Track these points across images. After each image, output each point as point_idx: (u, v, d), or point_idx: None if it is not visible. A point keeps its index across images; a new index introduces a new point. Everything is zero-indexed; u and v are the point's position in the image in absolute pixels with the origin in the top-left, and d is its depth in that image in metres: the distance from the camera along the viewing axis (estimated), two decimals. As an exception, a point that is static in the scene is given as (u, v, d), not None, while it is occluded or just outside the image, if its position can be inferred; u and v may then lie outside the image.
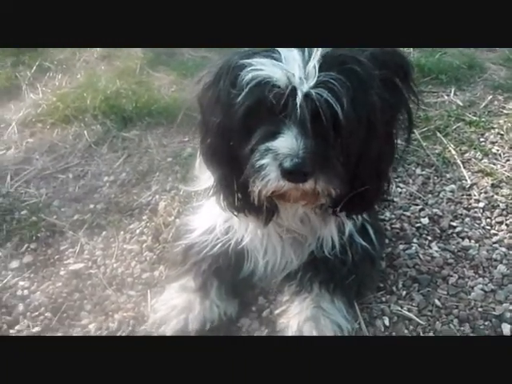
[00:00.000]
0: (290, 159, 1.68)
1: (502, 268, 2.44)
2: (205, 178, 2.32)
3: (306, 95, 1.69)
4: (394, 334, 2.16)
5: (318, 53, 1.73)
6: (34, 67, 4.11)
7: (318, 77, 1.69)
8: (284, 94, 1.69)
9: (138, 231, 2.64)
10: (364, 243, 2.26)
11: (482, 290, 2.34)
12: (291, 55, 1.74)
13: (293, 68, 1.71)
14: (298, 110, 1.69)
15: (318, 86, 1.69)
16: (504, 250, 2.53)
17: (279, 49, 1.78)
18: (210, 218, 2.29)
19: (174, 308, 2.12)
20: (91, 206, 2.82)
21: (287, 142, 1.70)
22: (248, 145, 1.79)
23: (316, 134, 1.72)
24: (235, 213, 2.05)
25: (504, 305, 2.27)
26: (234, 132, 1.82)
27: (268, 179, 1.74)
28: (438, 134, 3.32)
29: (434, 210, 2.74)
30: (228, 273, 2.23)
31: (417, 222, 2.67)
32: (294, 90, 1.69)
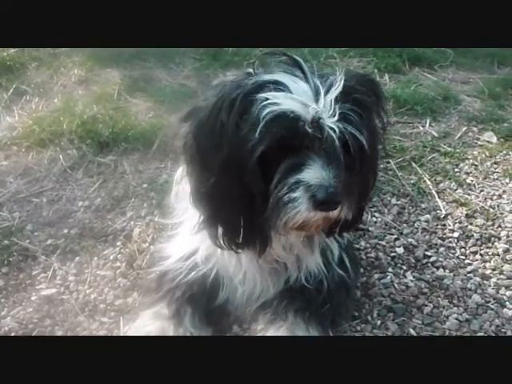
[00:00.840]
0: (323, 190, 1.71)
1: (476, 297, 2.44)
2: (181, 208, 2.32)
3: (330, 127, 1.73)
4: (368, 363, 2.14)
5: (330, 84, 1.79)
6: (11, 90, 4.07)
7: (335, 108, 1.74)
8: (306, 127, 1.72)
9: (111, 257, 2.61)
10: (340, 272, 2.26)
11: (456, 319, 2.33)
12: (300, 87, 1.77)
13: (308, 100, 1.74)
14: (326, 143, 1.74)
15: (339, 118, 1.74)
16: (478, 279, 2.54)
17: (283, 80, 1.79)
18: (185, 246, 2.26)
19: (147, 335, 2.09)
20: (65, 230, 2.78)
21: (317, 173, 1.73)
22: (268, 180, 1.78)
23: (341, 163, 1.78)
24: (235, 249, 2.00)
25: (478, 334, 2.27)
26: (247, 168, 1.76)
27: (297, 211, 1.75)
28: (414, 165, 3.34)
29: (409, 240, 2.74)
30: (202, 300, 2.20)
31: (392, 252, 2.67)
32: (315, 122, 1.72)
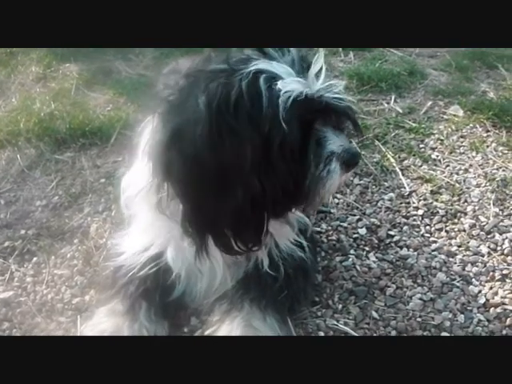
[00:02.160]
0: (350, 153, 1.86)
1: (441, 276, 2.40)
2: (133, 212, 2.26)
3: (335, 99, 1.83)
4: (329, 348, 2.10)
5: (314, 61, 1.84)
6: (-32, 92, 4.01)
7: (327, 82, 1.82)
8: (315, 104, 1.79)
9: (69, 255, 2.57)
10: (299, 255, 2.21)
11: (420, 299, 2.30)
12: (285, 70, 1.78)
13: (303, 78, 1.79)
14: (330, 114, 1.86)
15: (330, 90, 1.83)
16: (443, 257, 2.50)
17: (266, 67, 1.77)
18: (138, 242, 2.21)
19: (102, 332, 2.04)
20: (22, 231, 2.74)
21: (339, 142, 1.86)
22: (303, 163, 1.81)
23: (341, 129, 1.94)
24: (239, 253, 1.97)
25: (443, 313, 2.24)
26: (281, 163, 1.75)
27: (335, 178, 1.86)
28: (377, 142, 3.29)
29: (372, 220, 2.70)
30: (157, 294, 2.16)
31: (354, 233, 2.63)
32: (320, 97, 1.79)
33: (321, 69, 1.82)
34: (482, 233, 2.63)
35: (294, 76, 1.77)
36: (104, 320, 2.10)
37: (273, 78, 1.74)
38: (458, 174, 3.05)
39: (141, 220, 2.21)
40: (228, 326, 2.04)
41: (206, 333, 2.08)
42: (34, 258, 2.58)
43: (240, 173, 1.73)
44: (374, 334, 2.15)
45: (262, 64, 1.78)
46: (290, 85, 1.73)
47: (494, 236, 2.62)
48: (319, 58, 1.83)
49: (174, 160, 1.79)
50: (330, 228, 2.67)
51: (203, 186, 1.78)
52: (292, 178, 1.79)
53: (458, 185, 2.94)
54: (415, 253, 2.52)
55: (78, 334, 2.15)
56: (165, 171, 1.84)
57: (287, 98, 1.71)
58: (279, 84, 1.72)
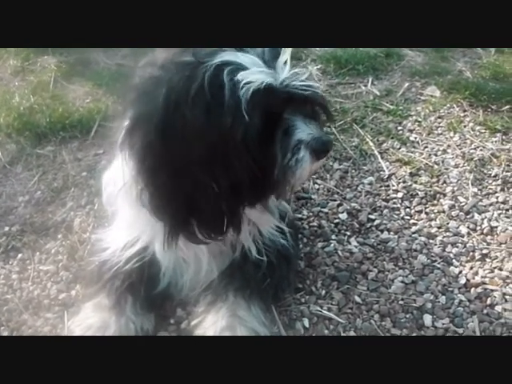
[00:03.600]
0: (320, 140, 1.83)
1: (422, 258, 2.45)
2: (115, 209, 2.29)
3: (301, 88, 1.80)
4: (314, 334, 2.13)
5: (283, 50, 1.81)
6: None
7: (292, 70, 1.80)
8: (282, 93, 1.77)
9: (53, 251, 2.57)
10: (281, 242, 2.24)
11: (402, 282, 2.34)
12: (250, 60, 1.77)
13: (267, 68, 1.77)
14: (298, 103, 1.83)
15: (296, 78, 1.80)
16: (424, 239, 2.54)
17: (230, 58, 1.76)
18: (122, 237, 2.22)
19: (89, 328, 2.06)
20: (6, 228, 2.73)
21: (307, 129, 1.83)
22: (268, 152, 1.80)
23: (313, 117, 1.91)
24: (203, 242, 1.98)
25: (425, 295, 2.28)
26: (241, 154, 1.74)
27: (304, 167, 1.84)
28: (355, 126, 3.31)
29: (353, 205, 2.73)
30: (142, 287, 2.17)
31: (335, 218, 2.66)
32: (286, 87, 1.78)
33: (288, 58, 1.81)
34: (461, 213, 2.67)
35: (261, 66, 1.76)
36: (91, 315, 2.11)
37: (238, 69, 1.73)
38: (436, 155, 3.08)
39: (124, 215, 2.21)
40: (213, 316, 2.07)
41: (192, 323, 2.12)
42: (19, 255, 2.57)
43: (189, 164, 1.76)
44: (357, 319, 2.18)
45: (227, 56, 1.77)
46: (252, 75, 1.72)
47: (473, 216, 2.66)
48: (286, 50, 1.82)
49: (133, 148, 1.83)
50: (311, 214, 2.69)
51: (155, 174, 1.81)
52: (259, 168, 1.78)
53: (436, 166, 2.98)
54: (396, 236, 2.56)
55: (66, 330, 2.17)
56: (129, 159, 1.88)
57: (248, 88, 1.70)
58: (240, 75, 1.71)
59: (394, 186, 2.85)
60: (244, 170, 1.75)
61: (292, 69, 1.80)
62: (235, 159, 1.73)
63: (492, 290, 2.30)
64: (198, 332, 2.07)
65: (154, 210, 1.91)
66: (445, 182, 2.88)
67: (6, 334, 2.21)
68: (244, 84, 1.70)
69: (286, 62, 1.79)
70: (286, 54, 1.80)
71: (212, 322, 2.06)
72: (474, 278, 2.36)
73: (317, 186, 2.86)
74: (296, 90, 1.80)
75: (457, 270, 2.40)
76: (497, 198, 2.78)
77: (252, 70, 1.73)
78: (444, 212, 2.69)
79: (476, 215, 2.67)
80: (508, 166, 2.97)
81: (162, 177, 1.80)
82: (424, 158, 3.04)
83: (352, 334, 2.13)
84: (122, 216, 2.25)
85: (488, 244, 2.52)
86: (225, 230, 1.92)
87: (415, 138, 3.22)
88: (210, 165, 1.74)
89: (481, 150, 3.10)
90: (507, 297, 2.27)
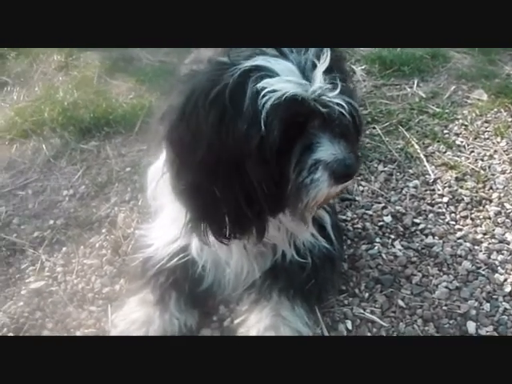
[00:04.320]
0: (342, 164, 1.73)
1: (466, 264, 2.41)
2: (159, 204, 2.30)
3: (334, 102, 1.73)
4: (356, 337, 2.13)
5: (322, 60, 1.74)
6: (-9, 83, 4.03)
7: (333, 82, 1.73)
8: (308, 106, 1.70)
9: (97, 245, 2.60)
10: (324, 245, 2.22)
11: (446, 287, 2.31)
12: (285, 67, 1.71)
13: (300, 78, 1.71)
14: (331, 118, 1.74)
15: (333, 92, 1.73)
16: (469, 245, 2.51)
17: (264, 64, 1.71)
18: (165, 234, 2.24)
19: (133, 322, 2.09)
20: (51, 221, 2.77)
21: (331, 149, 1.74)
22: (284, 166, 1.74)
23: (343, 136, 1.80)
24: (225, 241, 1.96)
25: (469, 302, 2.25)
26: (257, 163, 1.70)
27: (319, 189, 1.76)
28: (401, 128, 3.27)
29: (397, 208, 2.70)
30: (186, 284, 2.19)
31: (379, 221, 2.64)
32: (316, 99, 1.70)
33: (325, 69, 1.73)
34: (507, 220, 2.63)
35: (294, 74, 1.70)
36: (135, 310, 2.14)
37: (265, 76, 1.68)
38: (482, 160, 3.04)
39: (167, 212, 2.23)
40: (257, 315, 2.08)
41: (235, 321, 2.12)
42: (64, 248, 2.61)
43: (193, 168, 1.76)
44: (400, 323, 2.17)
45: (260, 60, 1.72)
46: (277, 84, 1.66)
47: (519, 223, 2.62)
48: (326, 59, 1.74)
49: (172, 152, 1.84)
50: (355, 216, 2.67)
51: (181, 172, 1.82)
52: (273, 179, 1.74)
53: (482, 171, 2.94)
54: (440, 241, 2.53)
55: (109, 323, 2.20)
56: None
57: (270, 98, 1.65)
58: (264, 82, 1.66)
59: (439, 190, 2.82)
60: (259, 178, 1.72)
61: (326, 81, 1.72)
62: (249, 169, 1.70)
63: (537, 300, 2.27)
64: (241, 330, 2.08)
65: (182, 202, 1.92)
66: (491, 187, 2.83)
67: (50, 325, 2.25)
68: (266, 92, 1.65)
69: (320, 73, 1.72)
70: (324, 64, 1.73)
71: (255, 320, 2.06)
72: (519, 287, 2.32)
73: (361, 188, 2.84)
74: (324, 105, 1.72)
75: (502, 278, 2.36)
76: (544, 205, 2.72)
77: (279, 78, 1.68)
78: (490, 218, 2.65)
79: (523, 223, 2.63)
80: (556, 172, 2.91)
81: (181, 173, 1.82)
82: (470, 163, 3.00)
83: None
84: (165, 212, 2.26)
85: (534, 252, 2.48)
86: (244, 234, 1.92)
87: (461, 142, 3.17)
88: (213, 171, 1.73)
89: (528, 156, 3.04)
90: (553, 306, 2.23)
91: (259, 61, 1.72)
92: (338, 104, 1.74)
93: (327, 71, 1.73)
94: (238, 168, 1.71)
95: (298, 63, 1.73)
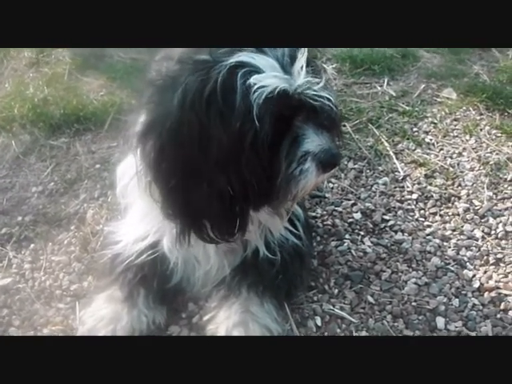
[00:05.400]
0: (328, 153, 1.79)
1: (435, 260, 2.44)
2: (128, 201, 2.28)
3: (313, 97, 1.77)
4: (326, 333, 2.13)
5: (299, 56, 1.77)
6: (-39, 79, 3.97)
7: (307, 78, 1.76)
8: (294, 100, 1.74)
9: (66, 242, 2.57)
10: (294, 241, 2.23)
11: (415, 283, 2.33)
12: (268, 63, 1.73)
13: (284, 73, 1.74)
14: (316, 110, 1.80)
15: (311, 86, 1.77)
16: (438, 241, 2.53)
17: (247, 60, 1.73)
18: (134, 231, 2.22)
19: (101, 319, 2.07)
20: (19, 218, 2.74)
21: (317, 140, 1.79)
22: (275, 160, 1.77)
23: (325, 127, 1.85)
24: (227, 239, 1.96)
25: (438, 298, 2.27)
26: (251, 158, 1.72)
27: (308, 179, 1.80)
28: (370, 126, 3.29)
29: (367, 204, 2.72)
30: (155, 281, 2.18)
31: (349, 218, 2.65)
32: (301, 93, 1.74)
33: (304, 64, 1.77)
34: (476, 217, 2.66)
35: (277, 70, 1.72)
36: (103, 306, 2.12)
37: (252, 71, 1.70)
38: (451, 157, 3.07)
39: (136, 209, 2.21)
40: (226, 311, 2.07)
41: (204, 318, 2.11)
42: (32, 245, 2.58)
43: (205, 168, 1.74)
44: (370, 319, 2.18)
45: (244, 56, 1.73)
46: (265, 80, 1.68)
47: (487, 220, 2.65)
48: (304, 53, 1.77)
49: (147, 149, 1.82)
50: (324, 213, 2.68)
51: (170, 177, 1.79)
52: (265, 174, 1.76)
53: (451, 168, 2.97)
54: (410, 237, 2.55)
55: (77, 320, 2.18)
56: (142, 160, 1.87)
57: (260, 93, 1.67)
58: (253, 78, 1.68)
59: (408, 187, 2.84)
60: (252, 174, 1.73)
61: (308, 76, 1.76)
62: (245, 163, 1.71)
63: (506, 295, 2.29)
64: (210, 327, 2.07)
65: (166, 212, 1.90)
66: (460, 184, 2.86)
67: (17, 322, 2.22)
68: (257, 88, 1.67)
69: (302, 68, 1.75)
70: (303, 59, 1.76)
71: (224, 317, 2.06)
72: (487, 282, 2.35)
73: (331, 185, 2.84)
74: (308, 98, 1.76)
75: (470, 274, 2.39)
76: (512, 202, 2.76)
77: (266, 73, 1.70)
78: (459, 215, 2.68)
79: (491, 219, 2.66)
80: (525, 170, 2.95)
81: (175, 180, 1.79)
82: (439, 160, 3.02)
83: (364, 333, 2.13)
84: (134, 209, 2.24)
85: (503, 248, 2.51)
86: (236, 232, 1.91)
87: (431, 139, 3.20)
88: (224, 168, 1.73)
89: (497, 153, 3.08)
90: (521, 302, 2.26)
91: (243, 57, 1.73)
92: (322, 97, 1.78)
93: (306, 65, 1.76)
94: (236, 164, 1.72)
95: (276, 57, 1.76)
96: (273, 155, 1.76)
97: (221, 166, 1.73)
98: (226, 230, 1.90)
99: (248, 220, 1.90)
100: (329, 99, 1.81)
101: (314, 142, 1.78)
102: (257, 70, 1.71)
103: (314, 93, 1.76)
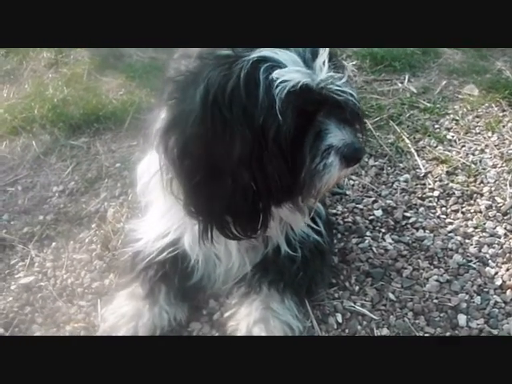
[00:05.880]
0: (352, 147, 1.79)
1: (457, 258, 2.41)
2: (149, 200, 2.29)
3: (341, 90, 1.77)
4: (346, 330, 2.12)
5: (322, 51, 1.77)
6: (-19, 80, 4.01)
7: (330, 73, 1.76)
8: (317, 95, 1.74)
9: (87, 240, 2.59)
10: (315, 238, 2.22)
11: (437, 281, 2.31)
12: (289, 58, 1.73)
13: (307, 68, 1.74)
14: (339, 105, 1.79)
15: (333, 81, 1.76)
16: (459, 238, 2.50)
17: (270, 55, 1.73)
18: (157, 226, 2.22)
19: (123, 316, 2.08)
20: (41, 217, 2.76)
21: (340, 135, 1.79)
22: (299, 154, 1.78)
23: (348, 122, 1.84)
24: (238, 238, 1.97)
25: (460, 295, 2.25)
26: (275, 154, 1.73)
27: (332, 173, 1.80)
28: (391, 123, 3.27)
29: (388, 202, 2.70)
30: (176, 278, 2.18)
31: (370, 215, 2.63)
32: (324, 88, 1.74)
33: (326, 60, 1.77)
34: (498, 214, 2.63)
35: (299, 65, 1.73)
36: (125, 303, 2.13)
37: (275, 66, 1.70)
38: (473, 154, 3.04)
39: (157, 206, 2.22)
40: (247, 308, 2.07)
41: (225, 315, 2.11)
42: (53, 243, 2.60)
43: (229, 164, 1.74)
44: (391, 316, 2.16)
45: (266, 51, 1.73)
46: (288, 74, 1.69)
47: (510, 217, 2.62)
48: (325, 50, 1.78)
49: (170, 146, 1.82)
50: (345, 210, 2.67)
51: (193, 174, 1.79)
52: (288, 169, 1.76)
53: (473, 165, 2.94)
54: (431, 234, 2.52)
55: (99, 318, 2.19)
56: (165, 157, 1.87)
57: (283, 87, 1.67)
58: (275, 73, 1.68)
59: (430, 184, 2.82)
60: (276, 169, 1.74)
61: (330, 71, 1.76)
62: (268, 159, 1.72)
63: (528, 293, 2.27)
64: (231, 324, 2.07)
65: (188, 209, 1.90)
66: (482, 181, 2.83)
67: (39, 320, 2.24)
68: (279, 83, 1.67)
69: (324, 63, 1.75)
70: (325, 54, 1.76)
71: (245, 314, 2.06)
72: (510, 280, 2.32)
73: (352, 182, 2.83)
74: (331, 93, 1.76)
75: (493, 271, 2.36)
76: (535, 199, 2.72)
77: (289, 68, 1.70)
78: (481, 212, 2.65)
79: (514, 216, 2.62)
80: (547, 167, 2.92)
81: (199, 176, 1.79)
82: (461, 157, 3.00)
83: (385, 330, 2.12)
84: (155, 207, 2.25)
85: (525, 246, 2.47)
86: (258, 228, 1.91)
87: (452, 136, 3.17)
88: (248, 164, 1.73)
89: (519, 150, 3.04)
90: (544, 300, 2.23)
91: (265, 52, 1.73)
92: (345, 92, 1.78)
93: (328, 60, 1.76)
94: (260, 159, 1.73)
95: (298, 54, 1.76)
96: (296, 150, 1.76)
97: (244, 162, 1.73)
98: (249, 226, 1.91)
99: (270, 216, 1.91)
100: (351, 94, 1.81)
101: (336, 136, 1.78)
102: (279, 65, 1.71)
103: (337, 88, 1.76)
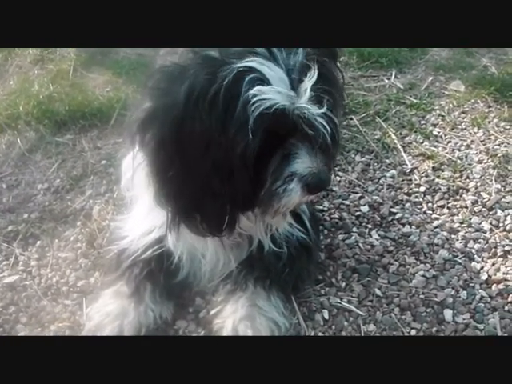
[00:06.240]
0: (316, 178, 1.78)
1: (443, 253, 2.41)
2: (133, 195, 2.28)
3: (313, 121, 1.74)
4: (333, 327, 2.12)
5: (311, 73, 1.73)
6: (-34, 77, 3.97)
7: (313, 98, 1.73)
8: (292, 118, 1.71)
9: (72, 238, 2.57)
10: (300, 235, 2.22)
11: (423, 276, 2.31)
12: (276, 75, 1.70)
13: (288, 89, 1.71)
14: (312, 130, 1.75)
15: (318, 111, 1.74)
16: (445, 234, 2.51)
17: (257, 67, 1.69)
18: (142, 224, 2.21)
19: (108, 315, 2.07)
20: (25, 215, 2.74)
21: (307, 162, 1.78)
22: (262, 173, 1.78)
23: (321, 148, 1.82)
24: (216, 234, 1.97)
25: (446, 290, 2.25)
26: (239, 167, 1.73)
27: (291, 198, 1.80)
28: (378, 119, 3.27)
29: (374, 197, 2.70)
30: (161, 276, 2.17)
31: (356, 211, 2.63)
32: (300, 117, 1.72)
33: (311, 84, 1.73)
34: (484, 209, 2.64)
35: (283, 84, 1.70)
36: (110, 302, 2.12)
37: (258, 80, 1.68)
38: (459, 150, 3.04)
39: (142, 203, 2.21)
40: (232, 305, 2.07)
41: (211, 312, 2.11)
42: (38, 242, 2.58)
43: (202, 167, 1.74)
44: (377, 312, 2.17)
45: (254, 62, 1.70)
46: (268, 93, 1.66)
47: (495, 212, 2.62)
48: (314, 73, 1.73)
49: (147, 137, 1.81)
50: (332, 206, 2.67)
51: (167, 168, 1.79)
52: (250, 183, 1.77)
53: (459, 161, 2.94)
54: (417, 230, 2.53)
55: (84, 316, 2.18)
56: (141, 146, 1.86)
57: (258, 106, 1.65)
58: (256, 89, 1.66)
59: (416, 180, 2.82)
60: (239, 182, 1.74)
61: (312, 98, 1.72)
62: (234, 170, 1.72)
63: (514, 287, 2.28)
64: (217, 321, 2.06)
65: (160, 199, 1.91)
66: (468, 177, 2.83)
67: (24, 319, 2.22)
68: (256, 100, 1.66)
69: (306, 91, 1.71)
70: (314, 78, 1.72)
71: (231, 311, 2.05)
72: (495, 275, 2.32)
73: (338, 178, 2.83)
74: (304, 124, 1.73)
75: (478, 266, 2.36)
76: (520, 195, 2.73)
77: (271, 87, 1.68)
78: (467, 207, 2.65)
79: (499, 212, 2.63)
80: (533, 162, 2.93)
81: (172, 172, 1.79)
82: (447, 153, 3.00)
83: (372, 326, 2.12)
84: (140, 204, 2.24)
85: (510, 241, 2.48)
86: (223, 229, 1.91)
87: (438, 132, 3.18)
88: (219, 170, 1.73)
89: (505, 146, 3.05)
90: (529, 294, 2.24)
91: (253, 63, 1.70)
92: (321, 124, 1.75)
93: (315, 83, 1.73)
94: (227, 168, 1.73)
95: (287, 68, 1.73)
96: (260, 169, 1.76)
97: (216, 168, 1.73)
98: (215, 225, 1.91)
99: (237, 219, 1.91)
100: (325, 127, 1.78)
101: (304, 163, 1.78)
102: (263, 80, 1.69)
103: (314, 117, 1.74)
